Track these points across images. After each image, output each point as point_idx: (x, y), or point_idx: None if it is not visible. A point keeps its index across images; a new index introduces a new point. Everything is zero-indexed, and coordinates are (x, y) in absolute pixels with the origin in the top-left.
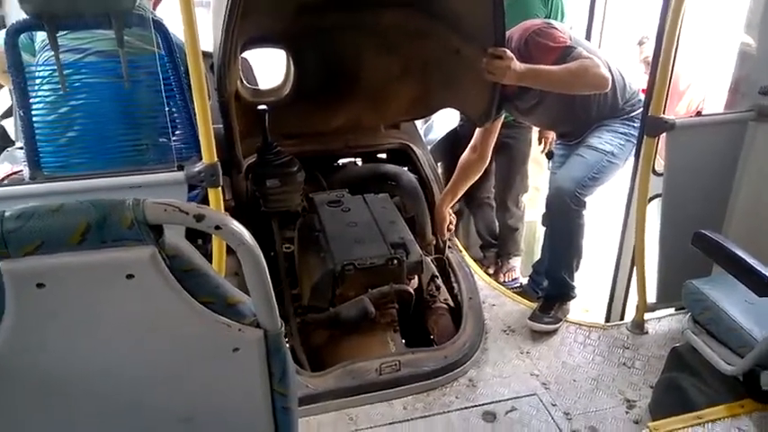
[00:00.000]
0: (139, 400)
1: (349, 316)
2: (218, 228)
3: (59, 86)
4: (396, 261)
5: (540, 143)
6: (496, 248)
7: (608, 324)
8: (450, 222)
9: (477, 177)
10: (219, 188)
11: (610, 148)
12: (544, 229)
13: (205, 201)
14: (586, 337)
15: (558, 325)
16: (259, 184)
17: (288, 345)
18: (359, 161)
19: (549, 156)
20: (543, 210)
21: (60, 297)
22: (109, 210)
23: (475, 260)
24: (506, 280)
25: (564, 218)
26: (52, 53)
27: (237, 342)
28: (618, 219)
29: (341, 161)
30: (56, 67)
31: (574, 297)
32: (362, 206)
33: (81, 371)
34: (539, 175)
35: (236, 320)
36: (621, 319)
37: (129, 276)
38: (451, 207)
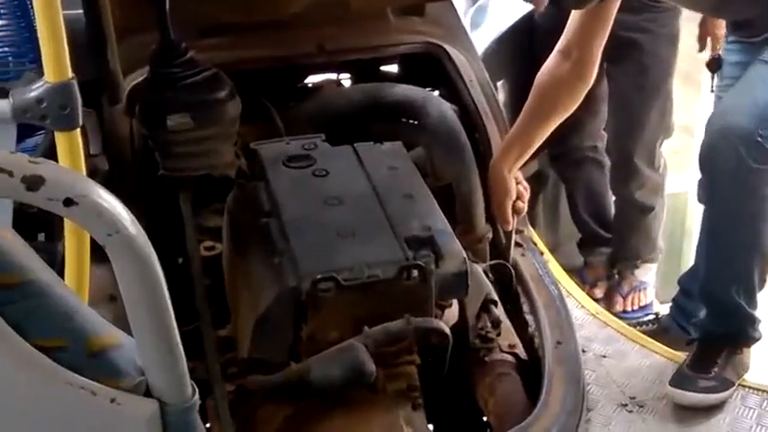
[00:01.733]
0: None
1: (327, 379)
2: (70, 202)
3: None
4: (416, 272)
5: (701, 45)
6: (610, 248)
7: None
8: (520, 197)
9: (572, 108)
10: (77, 131)
11: None
12: (702, 209)
13: (52, 155)
14: None
15: (726, 393)
16: (155, 124)
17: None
18: (345, 79)
19: (714, 66)
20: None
21: None
22: None
23: (568, 270)
24: (630, 308)
25: (736, 184)
26: None
27: (110, 423)
28: None
29: (310, 79)
30: None
31: (757, 339)
32: (352, 166)
33: None
34: (693, 104)
35: (106, 381)
36: None
37: None
38: (522, 167)
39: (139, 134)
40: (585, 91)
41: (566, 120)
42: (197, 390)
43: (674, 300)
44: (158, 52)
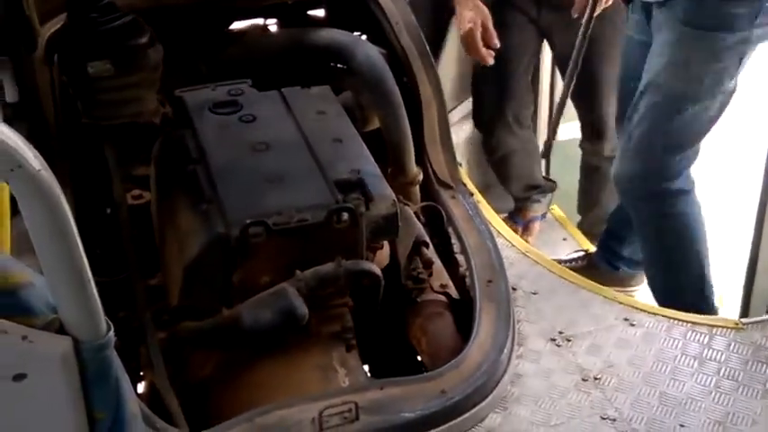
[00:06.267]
0: None
1: (259, 324)
2: None
3: None
4: (346, 215)
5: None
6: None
7: (745, 321)
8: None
9: None
10: None
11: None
12: None
13: None
14: (705, 347)
15: None
16: (75, 72)
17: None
18: (272, 24)
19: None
20: None
21: None
22: None
23: (499, 212)
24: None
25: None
26: None
27: (22, 362)
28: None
29: (235, 25)
30: None
31: None
32: (280, 111)
33: None
34: None
35: (18, 320)
36: None
37: None
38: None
39: (60, 82)
40: None
41: None
42: (112, 326)
43: (600, 241)
44: None
